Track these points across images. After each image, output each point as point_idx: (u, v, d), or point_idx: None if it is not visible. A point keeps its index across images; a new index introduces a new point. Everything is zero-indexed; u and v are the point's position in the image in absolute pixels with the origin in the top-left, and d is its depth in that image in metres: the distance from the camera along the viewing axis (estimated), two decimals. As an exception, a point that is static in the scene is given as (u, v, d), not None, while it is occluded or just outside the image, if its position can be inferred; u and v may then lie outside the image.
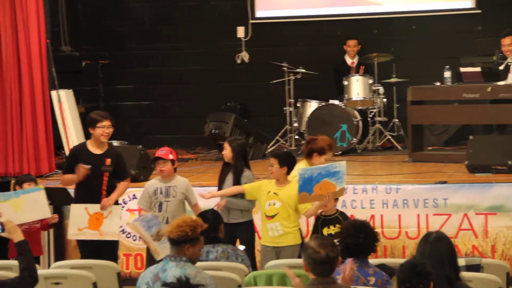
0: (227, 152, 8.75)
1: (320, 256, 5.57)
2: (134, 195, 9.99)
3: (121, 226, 9.46)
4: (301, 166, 8.57)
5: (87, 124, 8.96)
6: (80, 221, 8.63)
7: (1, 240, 8.85)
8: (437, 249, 5.67)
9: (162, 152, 8.61)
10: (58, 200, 9.94)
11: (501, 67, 11.47)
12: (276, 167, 8.43)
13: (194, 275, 5.72)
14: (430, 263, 5.55)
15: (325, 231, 8.06)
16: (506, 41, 11.64)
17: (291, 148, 12.60)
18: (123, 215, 9.93)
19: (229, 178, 8.72)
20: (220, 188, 8.80)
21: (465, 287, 5.61)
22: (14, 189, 9.32)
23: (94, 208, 8.66)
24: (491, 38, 12.15)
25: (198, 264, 6.93)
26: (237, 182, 8.66)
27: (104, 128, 8.72)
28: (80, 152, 8.83)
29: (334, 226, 8.02)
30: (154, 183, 8.70)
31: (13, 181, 9.99)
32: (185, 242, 6.08)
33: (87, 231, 8.67)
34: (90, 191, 8.71)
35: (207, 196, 8.76)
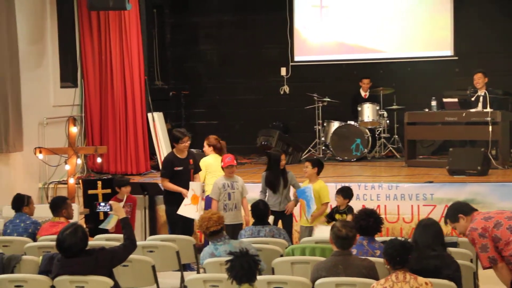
0: (283, 161, 8.74)
1: (342, 234, 5.63)
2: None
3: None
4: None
5: (173, 139, 9.03)
6: (189, 197, 8.68)
7: (100, 223, 9.04)
8: (427, 231, 5.64)
9: (229, 159, 8.61)
10: (152, 192, 10.04)
11: (472, 99, 11.36)
12: (309, 168, 8.45)
13: (239, 245, 5.90)
14: (422, 240, 5.51)
15: (337, 216, 8.12)
16: (477, 76, 11.52)
17: (319, 156, 12.56)
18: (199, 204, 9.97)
19: (280, 180, 8.71)
20: (271, 188, 8.77)
21: (450, 257, 5.56)
22: (114, 189, 9.41)
23: (187, 200, 8.73)
24: (465, 77, 12.02)
25: (253, 239, 7.00)
26: (286, 180, 8.68)
27: (185, 143, 8.85)
28: (173, 159, 8.91)
29: (341, 216, 8.06)
30: (221, 180, 8.68)
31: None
32: (222, 229, 6.21)
33: (189, 207, 8.68)
34: (184, 184, 8.77)
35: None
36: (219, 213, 6.46)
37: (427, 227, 5.67)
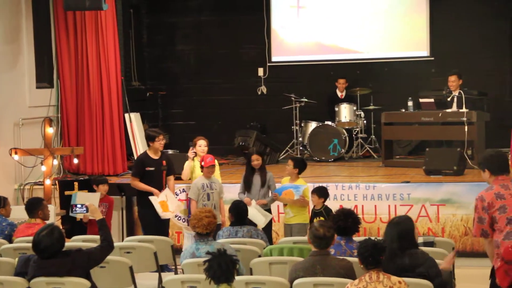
0: (258, 162, 8.73)
1: (319, 233, 5.65)
2: (183, 189, 9.99)
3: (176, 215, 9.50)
4: None
5: (148, 138, 8.99)
6: (158, 208, 8.68)
7: (77, 224, 8.99)
8: (396, 230, 5.63)
9: (210, 159, 8.61)
10: (129, 192, 10.00)
11: (448, 99, 11.44)
12: (290, 167, 8.48)
13: (221, 247, 5.81)
14: (391, 239, 5.53)
15: (315, 220, 8.08)
16: (451, 78, 11.64)
17: (296, 155, 12.58)
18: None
19: (256, 178, 8.70)
20: (249, 186, 8.76)
21: (423, 254, 5.57)
22: (91, 190, 9.37)
23: (158, 198, 8.71)
24: (441, 77, 12.09)
25: (230, 239, 6.99)
26: (264, 179, 8.66)
27: (160, 141, 8.81)
28: (145, 159, 8.88)
29: (318, 218, 8.06)
30: (200, 180, 8.68)
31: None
32: (209, 234, 6.19)
33: (165, 214, 8.73)
34: (155, 184, 8.76)
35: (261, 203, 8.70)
36: (213, 219, 6.33)
37: (396, 225, 5.67)
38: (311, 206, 8.48)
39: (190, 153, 9.06)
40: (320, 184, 8.80)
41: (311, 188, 8.50)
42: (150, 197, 8.69)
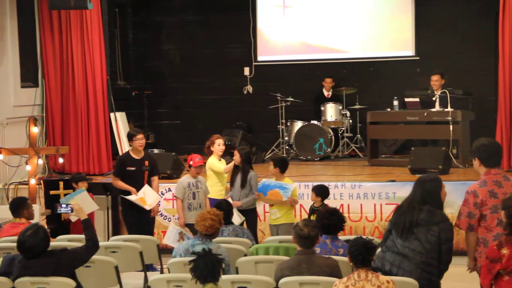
0: (237, 158, 8.73)
1: (303, 233, 5.66)
2: (169, 188, 10.00)
3: (159, 212, 9.47)
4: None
5: (128, 137, 8.96)
6: (138, 195, 8.68)
7: (62, 223, 8.94)
8: (420, 187, 5.64)
9: (199, 159, 8.61)
10: (115, 192, 9.96)
11: (434, 98, 11.49)
12: (271, 168, 8.47)
13: (215, 249, 5.75)
14: (414, 195, 5.60)
15: (312, 217, 8.07)
16: (434, 78, 11.71)
17: (283, 155, 12.59)
18: (161, 204, 9.96)
19: (238, 177, 8.70)
20: (232, 184, 8.78)
21: (441, 215, 5.55)
22: (71, 186, 9.34)
23: (136, 196, 8.69)
24: (426, 77, 12.12)
25: (216, 239, 6.97)
26: (244, 180, 8.61)
27: (139, 140, 8.77)
28: (126, 159, 8.85)
29: (315, 215, 8.06)
30: (186, 179, 8.68)
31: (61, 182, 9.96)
32: (217, 232, 6.16)
33: (133, 196, 8.71)
34: (136, 184, 8.72)
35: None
36: (217, 224, 6.22)
37: (423, 183, 5.65)
38: (301, 204, 8.47)
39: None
40: (307, 183, 8.78)
41: (298, 188, 8.48)
42: (127, 197, 8.67)
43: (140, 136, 8.77)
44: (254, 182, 8.60)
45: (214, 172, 8.90)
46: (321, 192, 8.23)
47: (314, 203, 8.26)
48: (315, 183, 8.64)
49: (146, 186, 8.75)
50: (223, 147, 9.02)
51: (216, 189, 8.87)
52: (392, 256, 5.53)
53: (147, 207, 8.72)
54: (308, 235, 5.65)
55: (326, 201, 8.20)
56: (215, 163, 8.92)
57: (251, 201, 8.60)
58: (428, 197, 5.56)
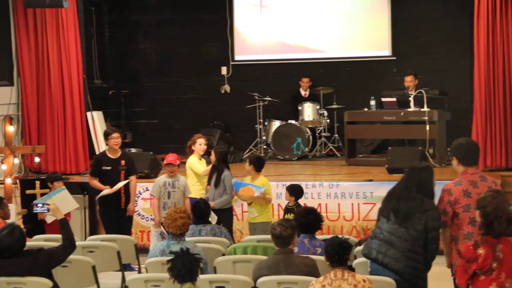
0: (213, 157, 8.75)
1: (276, 232, 5.71)
2: (147, 188, 9.96)
3: (137, 211, 9.43)
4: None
5: (104, 136, 8.94)
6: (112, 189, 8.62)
7: (38, 223, 8.87)
8: (411, 175, 5.76)
9: (172, 158, 8.61)
10: (92, 191, 9.91)
11: (410, 98, 11.54)
12: (247, 165, 8.50)
13: (192, 248, 5.73)
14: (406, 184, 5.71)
15: (287, 216, 8.08)
16: (407, 79, 11.80)
17: (260, 154, 12.59)
18: (139, 203, 9.93)
19: (214, 177, 8.69)
20: (209, 183, 8.76)
21: (429, 203, 5.66)
22: (47, 185, 9.28)
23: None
24: (403, 77, 12.18)
25: (194, 238, 6.98)
26: (218, 180, 8.59)
27: (114, 139, 8.74)
28: (102, 158, 8.82)
29: (290, 214, 8.07)
30: (163, 178, 8.68)
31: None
32: (182, 235, 6.17)
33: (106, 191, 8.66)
34: (112, 184, 8.69)
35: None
36: (187, 219, 6.26)
37: (418, 172, 5.77)
38: (279, 204, 8.48)
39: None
40: (285, 183, 8.79)
41: (276, 188, 8.50)
42: (100, 194, 8.63)
43: (115, 135, 8.74)
44: (228, 182, 8.58)
45: (194, 172, 8.89)
46: (295, 191, 8.24)
47: (288, 202, 8.28)
48: (293, 183, 8.65)
49: (120, 184, 8.70)
50: (205, 147, 9.03)
51: (195, 188, 8.87)
52: (379, 244, 5.58)
53: (107, 191, 8.64)
54: (280, 234, 5.66)
55: (304, 201, 8.22)
56: (195, 163, 8.91)
57: (225, 201, 8.56)
58: (421, 186, 5.68)
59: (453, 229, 5.82)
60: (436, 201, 5.79)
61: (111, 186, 8.66)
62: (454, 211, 5.76)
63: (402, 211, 5.57)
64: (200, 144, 8.98)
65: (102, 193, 8.66)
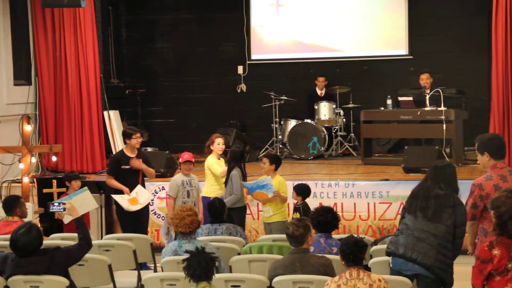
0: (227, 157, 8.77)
1: (288, 232, 5.73)
2: (163, 187, 9.98)
3: (153, 210, 9.46)
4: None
5: (125, 136, 8.90)
6: (123, 203, 8.59)
7: (55, 222, 8.91)
8: (442, 173, 5.80)
9: (188, 156, 8.62)
10: (108, 190, 9.93)
11: (427, 97, 11.49)
12: (267, 165, 8.43)
13: (204, 246, 5.74)
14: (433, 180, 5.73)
15: (294, 215, 8.08)
16: (423, 77, 11.75)
17: (276, 153, 12.56)
18: (155, 202, 9.96)
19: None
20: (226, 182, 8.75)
21: (457, 199, 5.70)
22: (65, 185, 9.31)
23: (129, 196, 8.65)
24: (419, 76, 12.15)
25: (210, 237, 6.99)
26: (227, 178, 8.58)
27: (137, 139, 8.75)
28: (120, 157, 8.82)
29: (296, 213, 8.06)
30: (180, 177, 8.66)
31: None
32: (196, 229, 6.19)
33: (132, 207, 8.62)
34: (130, 183, 8.69)
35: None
36: (195, 217, 6.26)
37: (442, 169, 5.82)
38: (290, 202, 8.46)
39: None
40: (301, 182, 8.75)
41: (291, 187, 8.46)
42: (113, 195, 8.63)
43: (138, 135, 8.79)
44: (235, 181, 8.52)
45: (211, 172, 8.87)
46: (301, 191, 8.21)
47: (296, 201, 8.27)
48: (300, 182, 8.61)
49: (139, 186, 8.72)
50: (223, 146, 8.99)
51: (213, 188, 8.80)
52: (406, 239, 5.59)
53: (136, 207, 8.66)
54: (293, 233, 5.66)
55: (320, 200, 8.21)
56: (214, 164, 8.86)
57: (231, 201, 8.47)
58: (448, 182, 5.72)
59: (483, 222, 5.92)
60: (460, 197, 5.84)
61: (129, 185, 8.65)
62: (485, 205, 5.81)
63: (433, 207, 5.63)
64: (218, 143, 8.93)
65: (118, 199, 8.60)
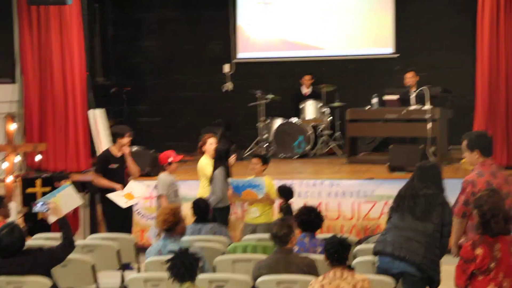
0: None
1: (272, 232, 5.71)
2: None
3: (137, 210, 9.42)
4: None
5: (115, 135, 8.83)
6: (120, 200, 8.55)
7: (38, 222, 8.86)
8: (429, 173, 5.88)
9: (178, 154, 8.60)
10: (93, 190, 9.92)
11: (412, 96, 11.52)
12: (259, 166, 8.35)
13: (187, 246, 5.74)
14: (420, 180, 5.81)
15: (278, 215, 8.06)
16: (408, 75, 11.75)
17: (259, 153, 12.53)
18: (140, 202, 9.90)
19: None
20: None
21: (442, 198, 5.77)
22: (53, 185, 9.26)
23: (122, 192, 8.62)
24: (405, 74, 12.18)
25: (194, 237, 6.97)
26: (211, 178, 8.55)
27: (129, 138, 8.75)
28: (108, 157, 8.79)
29: (280, 214, 8.05)
30: (168, 176, 8.59)
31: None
32: (175, 225, 6.15)
33: (131, 201, 8.59)
34: (117, 182, 8.64)
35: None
36: (170, 217, 6.21)
37: (428, 169, 5.90)
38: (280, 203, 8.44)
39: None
40: (285, 181, 8.71)
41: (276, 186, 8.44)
42: (108, 194, 8.57)
43: (128, 134, 8.75)
44: (217, 180, 8.48)
45: (205, 174, 8.81)
46: (284, 192, 8.19)
47: (280, 202, 8.25)
48: (283, 183, 8.53)
49: (132, 182, 8.69)
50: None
51: (206, 190, 8.67)
52: (394, 238, 5.61)
53: (134, 201, 8.62)
54: (276, 233, 5.68)
55: (304, 200, 8.20)
56: (207, 165, 8.73)
57: (216, 199, 8.43)
58: (435, 181, 5.79)
59: (474, 219, 5.90)
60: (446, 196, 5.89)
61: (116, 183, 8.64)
62: None
63: (422, 206, 5.67)
64: (211, 143, 8.82)
65: (113, 198, 8.54)
